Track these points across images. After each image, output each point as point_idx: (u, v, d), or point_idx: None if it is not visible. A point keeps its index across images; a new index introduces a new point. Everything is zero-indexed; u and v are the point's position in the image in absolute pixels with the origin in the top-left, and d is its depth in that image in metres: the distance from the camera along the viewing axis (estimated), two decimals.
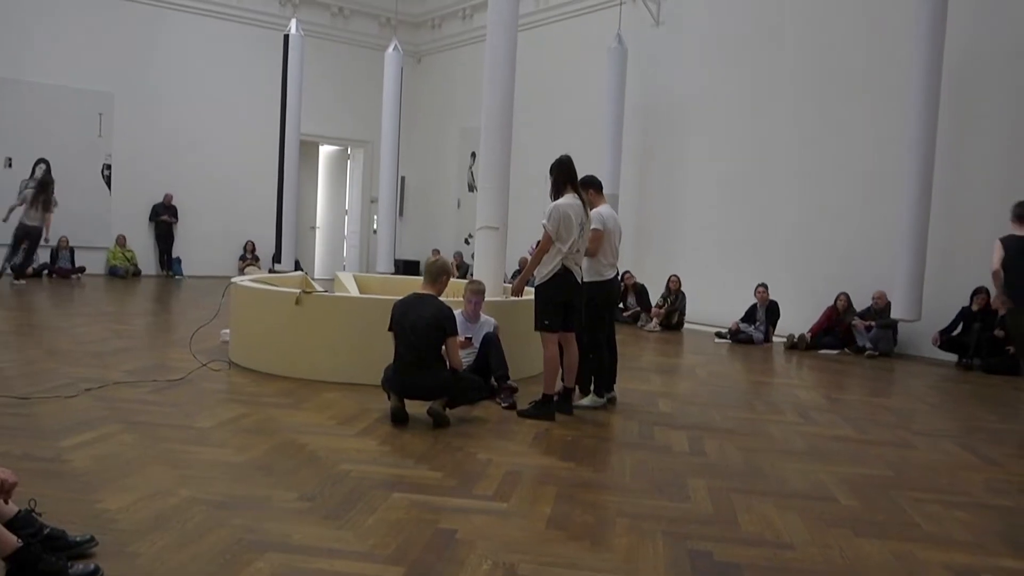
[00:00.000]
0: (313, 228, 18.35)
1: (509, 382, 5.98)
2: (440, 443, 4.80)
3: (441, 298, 5.42)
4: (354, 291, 8.42)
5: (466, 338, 5.97)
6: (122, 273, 15.06)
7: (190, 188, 16.09)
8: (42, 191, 12.94)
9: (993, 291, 7.20)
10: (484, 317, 6.29)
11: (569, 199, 5.57)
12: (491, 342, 6.04)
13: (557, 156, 5.78)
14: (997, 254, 6.71)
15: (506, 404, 5.83)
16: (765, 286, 10.63)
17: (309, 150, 17.28)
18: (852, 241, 10.48)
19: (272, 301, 6.85)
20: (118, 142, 15.40)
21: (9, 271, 13.01)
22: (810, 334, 10.13)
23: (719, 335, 10.69)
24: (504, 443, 4.90)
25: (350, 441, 4.76)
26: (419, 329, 5.12)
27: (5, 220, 12.99)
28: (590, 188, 6.02)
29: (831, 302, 10.23)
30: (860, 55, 10.44)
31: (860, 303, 10.09)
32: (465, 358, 5.92)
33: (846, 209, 10.55)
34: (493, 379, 6.00)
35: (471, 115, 15.60)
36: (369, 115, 16.59)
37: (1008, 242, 6.63)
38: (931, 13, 8.61)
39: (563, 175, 5.65)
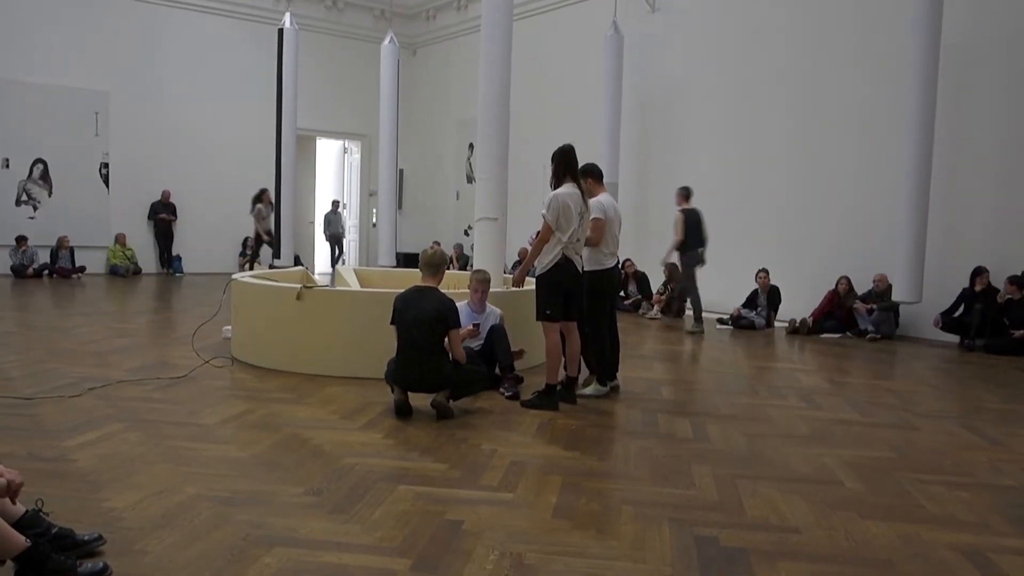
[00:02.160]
0: (311, 223, 18.32)
1: (514, 372, 5.99)
2: (444, 435, 4.81)
3: (445, 290, 5.42)
4: (355, 285, 8.41)
5: (473, 324, 5.97)
6: (122, 272, 15.06)
7: (188, 185, 16.09)
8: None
9: (670, 257, 10.27)
10: (490, 307, 6.29)
11: (568, 188, 5.56)
12: (497, 332, 6.06)
13: (556, 145, 5.76)
14: (681, 225, 9.70)
15: (509, 393, 5.85)
16: (766, 271, 10.63)
17: (306, 144, 17.25)
18: (852, 224, 10.47)
19: (273, 297, 6.86)
20: (115, 140, 15.39)
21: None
22: (812, 318, 10.13)
23: (721, 321, 10.69)
24: (508, 434, 4.91)
25: (354, 435, 4.76)
26: (421, 322, 5.12)
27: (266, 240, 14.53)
28: (589, 177, 6.00)
29: (832, 286, 10.22)
30: (857, 39, 10.41)
31: (861, 286, 10.09)
32: (472, 346, 5.95)
33: (846, 192, 10.53)
34: (498, 369, 6.02)
35: (468, 106, 15.58)
36: (366, 108, 16.58)
37: (689, 215, 9.57)
38: None
39: (563, 164, 5.63)
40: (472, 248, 8.29)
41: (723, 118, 12.04)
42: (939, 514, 3.70)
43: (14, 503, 2.86)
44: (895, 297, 9.20)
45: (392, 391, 5.28)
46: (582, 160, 5.84)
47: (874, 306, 9.77)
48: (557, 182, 5.63)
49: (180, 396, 5.61)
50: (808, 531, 3.44)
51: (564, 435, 4.93)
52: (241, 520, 3.34)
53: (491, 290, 6.43)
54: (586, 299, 5.79)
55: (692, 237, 9.80)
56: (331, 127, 17.91)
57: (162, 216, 15.82)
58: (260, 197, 14.72)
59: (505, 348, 6.03)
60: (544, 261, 5.56)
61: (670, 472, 4.23)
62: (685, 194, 10.05)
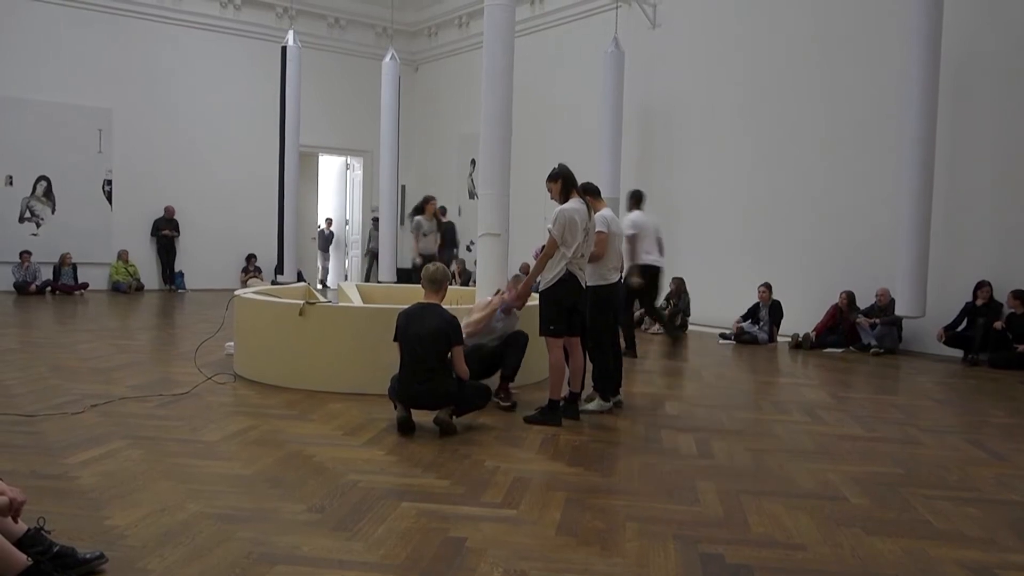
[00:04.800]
0: (314, 239, 18.34)
1: (511, 385, 6.05)
2: (447, 451, 4.79)
3: (447, 306, 5.42)
4: (357, 301, 8.42)
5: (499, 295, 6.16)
6: (125, 288, 15.07)
7: (191, 201, 16.12)
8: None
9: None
10: (516, 313, 6.28)
11: (574, 204, 5.59)
12: (516, 343, 6.07)
13: (557, 161, 5.85)
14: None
15: (507, 404, 5.93)
16: (767, 286, 10.62)
17: (308, 161, 17.30)
18: (854, 238, 10.46)
19: (276, 313, 6.85)
20: (118, 157, 15.44)
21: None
22: (815, 333, 10.12)
23: (723, 336, 10.67)
24: (511, 450, 4.89)
25: (357, 451, 4.75)
26: (424, 339, 5.11)
27: (418, 263, 11.00)
28: (588, 194, 6.01)
29: (835, 300, 10.21)
30: (857, 52, 10.45)
31: (864, 301, 10.07)
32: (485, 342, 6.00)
33: (847, 206, 10.54)
34: (499, 374, 6.08)
35: (470, 122, 15.62)
36: (368, 124, 16.61)
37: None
38: (928, 8, 8.59)
39: (568, 180, 5.68)
40: (475, 264, 8.29)
41: (724, 133, 12.07)
42: (946, 530, 3.68)
43: (16, 521, 2.85)
44: (898, 311, 9.15)
45: (395, 407, 5.27)
46: (582, 177, 5.87)
47: (877, 320, 9.74)
48: (564, 198, 5.65)
49: (183, 413, 5.60)
50: (814, 547, 3.42)
51: (567, 451, 4.91)
52: (244, 537, 3.32)
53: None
54: (589, 314, 5.80)
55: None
56: (333, 143, 17.97)
57: (165, 232, 15.85)
58: (422, 207, 11.25)
59: (516, 359, 6.05)
60: (548, 276, 5.56)
61: (674, 488, 4.21)
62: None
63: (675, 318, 11.44)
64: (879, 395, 7.28)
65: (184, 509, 3.63)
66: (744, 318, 10.67)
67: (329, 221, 18.81)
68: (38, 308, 12.29)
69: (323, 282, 18.71)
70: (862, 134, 10.39)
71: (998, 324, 8.78)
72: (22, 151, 14.50)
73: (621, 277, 6.25)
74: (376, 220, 17.78)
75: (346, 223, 18.92)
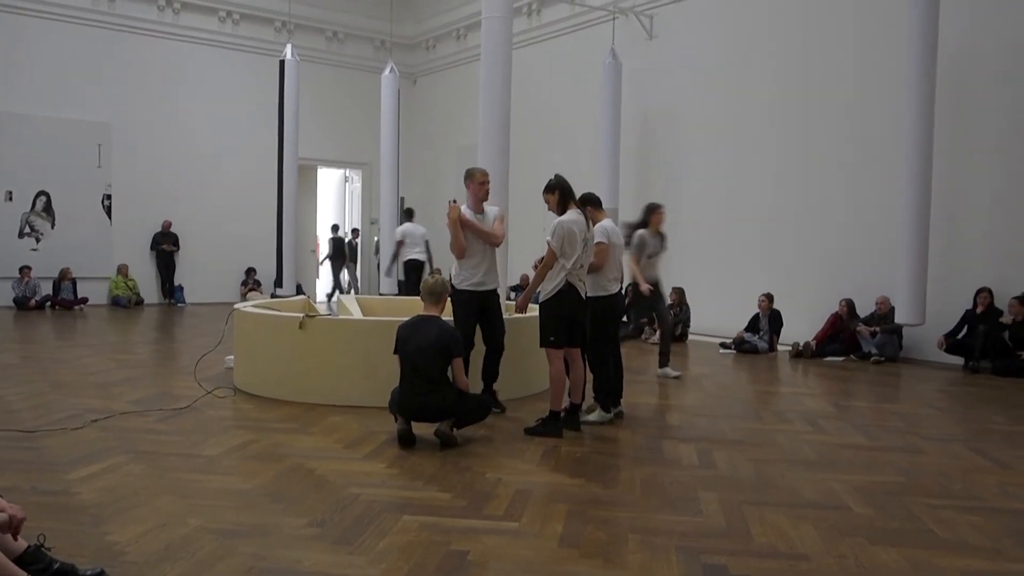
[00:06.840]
0: (313, 251, 18.33)
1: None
2: (448, 464, 4.78)
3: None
4: (357, 314, 8.41)
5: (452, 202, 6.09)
6: (124, 303, 15.07)
7: (190, 215, 16.14)
8: None
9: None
10: (488, 207, 6.24)
11: (572, 215, 5.60)
12: (494, 350, 6.15)
13: (554, 172, 5.87)
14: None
15: (497, 410, 6.04)
16: (767, 295, 10.61)
17: (307, 174, 17.32)
18: (854, 246, 10.47)
19: (276, 326, 6.85)
20: (117, 172, 15.47)
21: None
22: (815, 342, 10.11)
23: (723, 345, 10.66)
24: (513, 462, 4.88)
25: (358, 464, 4.74)
26: (425, 351, 5.11)
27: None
28: (588, 205, 6.03)
29: (835, 309, 10.20)
30: (854, 59, 10.48)
31: (863, 309, 10.07)
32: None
33: (846, 215, 10.55)
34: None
35: (468, 134, 15.65)
36: (367, 137, 16.67)
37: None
38: (924, 12, 8.60)
39: (566, 192, 5.69)
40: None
41: (722, 143, 12.09)
42: (950, 539, 3.67)
43: (16, 539, 2.84)
44: (898, 319, 9.14)
45: (395, 420, 5.26)
46: (582, 186, 5.87)
47: (877, 329, 9.73)
48: (562, 209, 5.66)
49: (183, 427, 5.59)
50: (818, 558, 3.41)
51: (569, 462, 4.90)
52: (245, 552, 3.31)
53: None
54: (589, 325, 5.80)
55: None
56: (332, 156, 18.00)
57: (164, 246, 15.86)
58: (647, 218, 8.11)
59: (495, 365, 6.18)
60: (548, 288, 5.56)
61: (676, 499, 4.19)
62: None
63: (676, 328, 11.43)
64: (880, 404, 7.27)
65: (185, 524, 3.62)
66: (746, 329, 10.65)
67: (356, 231, 18.56)
68: (38, 323, 12.28)
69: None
70: (859, 141, 10.40)
71: (1007, 316, 8.77)
72: (21, 166, 14.53)
73: (621, 288, 6.24)
74: (356, 230, 18.24)
75: (346, 235, 18.89)
